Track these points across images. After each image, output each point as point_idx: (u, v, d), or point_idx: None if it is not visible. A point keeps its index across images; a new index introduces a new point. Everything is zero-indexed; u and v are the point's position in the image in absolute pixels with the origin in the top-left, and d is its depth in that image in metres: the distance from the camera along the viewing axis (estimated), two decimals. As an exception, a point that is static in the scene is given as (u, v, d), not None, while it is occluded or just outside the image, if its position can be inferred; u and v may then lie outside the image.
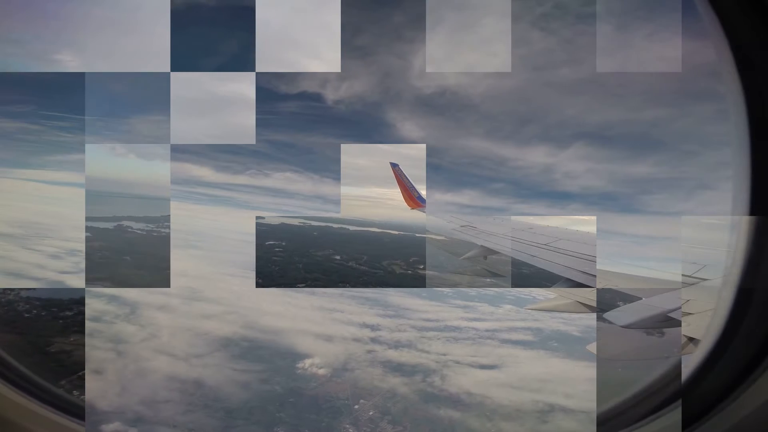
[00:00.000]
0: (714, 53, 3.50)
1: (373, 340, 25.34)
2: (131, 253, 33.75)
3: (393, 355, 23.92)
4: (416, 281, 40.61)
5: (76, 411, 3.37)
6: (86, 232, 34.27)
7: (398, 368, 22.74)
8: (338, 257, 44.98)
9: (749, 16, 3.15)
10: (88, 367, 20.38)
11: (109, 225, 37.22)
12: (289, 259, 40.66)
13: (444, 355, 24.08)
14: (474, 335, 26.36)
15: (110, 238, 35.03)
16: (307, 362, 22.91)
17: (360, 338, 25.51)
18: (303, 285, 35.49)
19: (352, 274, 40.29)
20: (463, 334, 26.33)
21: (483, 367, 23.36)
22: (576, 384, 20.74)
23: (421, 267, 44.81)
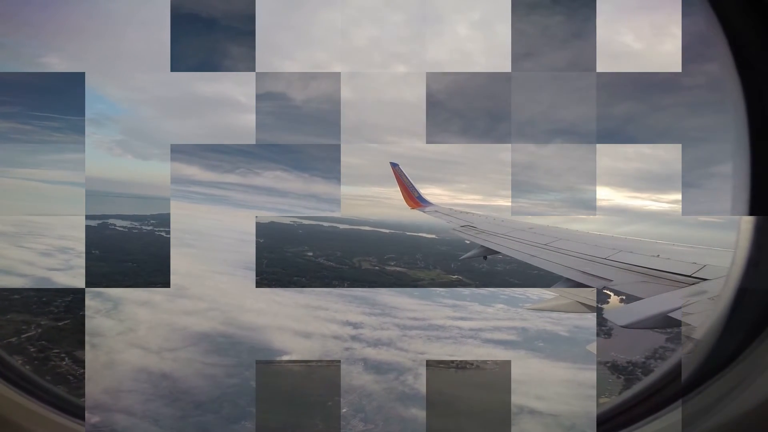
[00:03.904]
0: (714, 53, 3.49)
1: (353, 338, 25.22)
2: (101, 248, 33.34)
3: (371, 353, 23.84)
4: (379, 277, 40.86)
5: (76, 411, 3.26)
6: (72, 230, 33.83)
7: (374, 366, 22.67)
8: (310, 253, 45.20)
9: (749, 16, 3.13)
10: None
11: (94, 222, 36.98)
12: (258, 255, 40.64)
13: (421, 353, 24.06)
14: (456, 334, 26.36)
15: (89, 234, 34.75)
16: (284, 358, 22.78)
17: (340, 336, 25.39)
18: (257, 278, 35.82)
19: (312, 269, 40.49)
20: (445, 333, 26.31)
21: (458, 366, 23.41)
22: (550, 386, 20.79)
23: (392, 264, 45.20)
